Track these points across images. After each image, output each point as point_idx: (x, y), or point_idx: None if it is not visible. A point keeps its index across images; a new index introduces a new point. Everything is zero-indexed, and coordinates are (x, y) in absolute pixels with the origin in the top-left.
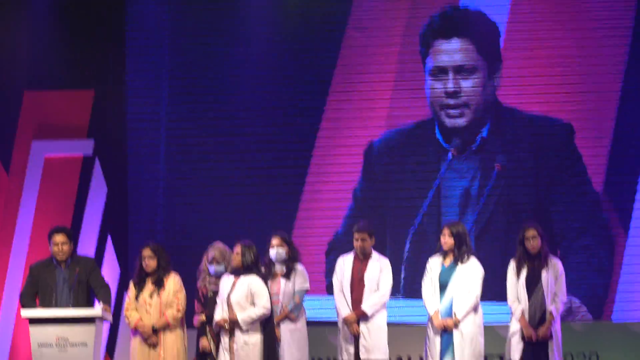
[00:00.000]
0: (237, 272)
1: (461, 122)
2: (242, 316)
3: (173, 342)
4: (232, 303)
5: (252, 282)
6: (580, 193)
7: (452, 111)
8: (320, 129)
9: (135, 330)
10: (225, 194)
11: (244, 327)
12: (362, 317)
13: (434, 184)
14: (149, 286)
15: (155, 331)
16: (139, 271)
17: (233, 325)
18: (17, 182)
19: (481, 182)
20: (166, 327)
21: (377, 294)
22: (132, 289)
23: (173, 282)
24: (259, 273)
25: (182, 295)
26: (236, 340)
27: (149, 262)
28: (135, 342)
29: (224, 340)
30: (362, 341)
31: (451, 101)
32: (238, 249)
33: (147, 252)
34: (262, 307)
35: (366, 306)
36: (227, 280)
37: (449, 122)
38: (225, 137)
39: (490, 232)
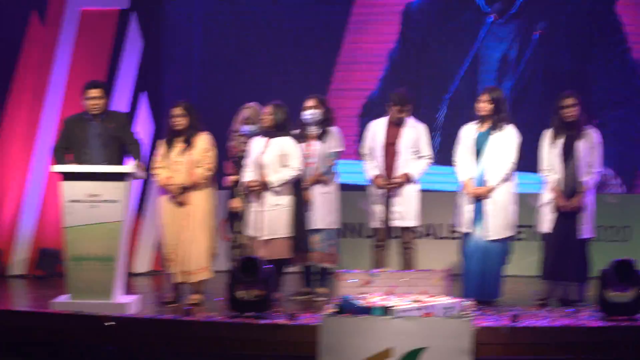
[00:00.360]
0: (269, 133)
1: None
2: (274, 178)
3: (202, 201)
4: (264, 164)
5: (284, 143)
6: (619, 62)
7: None
8: None
9: (164, 188)
10: (260, 54)
11: (276, 189)
12: (405, 181)
13: (471, 48)
14: (178, 145)
15: (184, 189)
16: (170, 129)
17: (264, 187)
18: (52, 35)
19: (520, 48)
20: (195, 185)
21: (423, 160)
22: (161, 147)
23: (203, 140)
24: (290, 134)
25: (212, 154)
26: (267, 201)
27: (180, 120)
28: (164, 200)
29: (254, 201)
30: (394, 207)
31: None
32: (269, 109)
33: (178, 110)
34: (294, 168)
35: (412, 170)
36: (258, 142)
37: None
38: None
39: (527, 100)
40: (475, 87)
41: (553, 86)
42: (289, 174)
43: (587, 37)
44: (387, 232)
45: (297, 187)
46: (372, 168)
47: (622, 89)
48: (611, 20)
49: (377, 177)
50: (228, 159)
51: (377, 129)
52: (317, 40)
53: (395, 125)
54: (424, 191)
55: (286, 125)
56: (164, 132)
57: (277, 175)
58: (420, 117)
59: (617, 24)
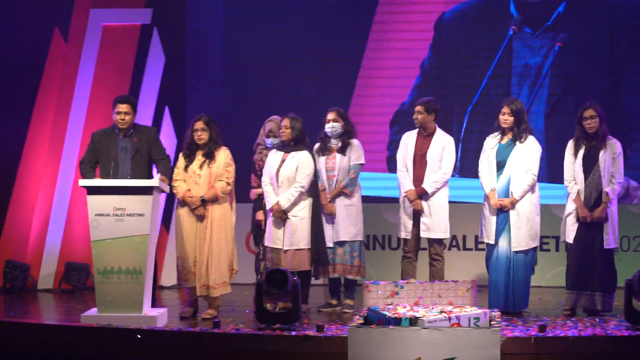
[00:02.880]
0: (286, 147)
1: None
2: (283, 200)
3: (221, 215)
4: (281, 178)
5: (300, 157)
6: None
7: None
8: (380, 3)
9: (183, 201)
10: (284, 66)
11: (287, 209)
12: (423, 194)
13: (499, 58)
14: (198, 158)
15: (204, 202)
16: (190, 143)
17: (278, 209)
18: (75, 50)
19: (553, 60)
20: (215, 199)
21: (439, 172)
22: (181, 160)
23: (224, 155)
24: (307, 147)
25: (232, 168)
26: (289, 215)
27: (202, 134)
28: (182, 213)
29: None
30: (422, 219)
31: None
32: (286, 122)
33: (199, 124)
34: (300, 185)
35: (427, 184)
36: (275, 156)
37: None
38: (284, 7)
39: (558, 112)
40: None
41: (584, 98)
42: (294, 191)
43: (621, 51)
44: (416, 243)
45: (316, 200)
46: (405, 181)
47: None
48: None
49: (409, 190)
50: (254, 171)
51: (409, 139)
52: (341, 50)
53: (425, 136)
54: (450, 203)
55: (303, 138)
56: (183, 145)
57: (285, 196)
58: (451, 128)
59: None
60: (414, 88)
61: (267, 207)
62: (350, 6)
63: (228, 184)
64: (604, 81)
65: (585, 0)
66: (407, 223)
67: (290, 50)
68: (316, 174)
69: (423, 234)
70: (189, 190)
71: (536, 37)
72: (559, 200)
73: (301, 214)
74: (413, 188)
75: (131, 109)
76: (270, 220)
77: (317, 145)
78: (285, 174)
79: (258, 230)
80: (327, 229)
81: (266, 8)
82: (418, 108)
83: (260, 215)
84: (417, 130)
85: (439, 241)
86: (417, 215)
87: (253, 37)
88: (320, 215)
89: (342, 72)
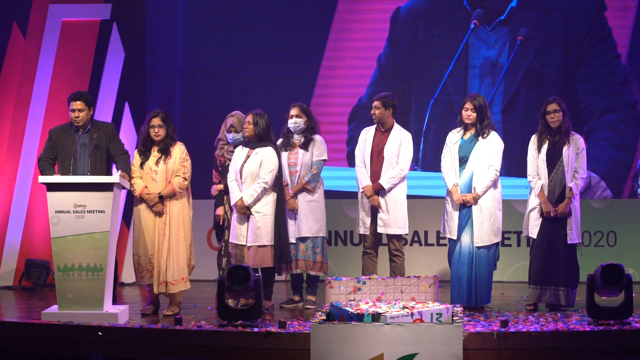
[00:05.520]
0: (250, 143)
1: None
2: (246, 195)
3: (179, 210)
4: (244, 174)
5: (264, 153)
6: (609, 68)
7: None
8: None
9: (140, 198)
10: (243, 63)
11: (250, 205)
12: (380, 190)
13: (459, 53)
14: (154, 154)
15: (162, 198)
16: (145, 139)
17: (241, 205)
18: (34, 46)
19: (509, 55)
20: (173, 195)
21: (396, 168)
22: (136, 157)
23: (179, 150)
24: (272, 144)
25: (188, 163)
26: (252, 211)
27: (159, 130)
28: (140, 210)
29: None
30: (379, 215)
31: None
32: (250, 118)
33: (156, 120)
34: (263, 181)
35: (383, 180)
36: (240, 152)
37: None
38: (245, 3)
39: (515, 106)
40: (465, 92)
41: (542, 92)
42: (257, 187)
43: (577, 44)
44: (375, 239)
45: (280, 196)
46: (363, 177)
47: (611, 96)
48: (601, 26)
49: (366, 186)
50: (215, 167)
51: (367, 135)
52: (301, 47)
53: (382, 131)
54: (411, 198)
55: (267, 134)
56: (138, 142)
57: (248, 192)
58: (409, 123)
59: (606, 30)
60: (371, 83)
61: (232, 203)
62: (311, 2)
63: (185, 179)
64: (560, 75)
65: None
66: (365, 219)
67: (252, 46)
68: (280, 170)
69: (380, 230)
70: (146, 187)
71: (490, 31)
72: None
73: (264, 210)
74: (370, 184)
75: (85, 106)
76: (234, 216)
77: (279, 141)
78: (249, 170)
79: (219, 227)
80: (290, 225)
81: (227, 4)
82: (375, 103)
83: (220, 211)
84: (375, 125)
85: (398, 237)
86: (374, 211)
87: (213, 33)
88: (284, 212)
89: (303, 69)
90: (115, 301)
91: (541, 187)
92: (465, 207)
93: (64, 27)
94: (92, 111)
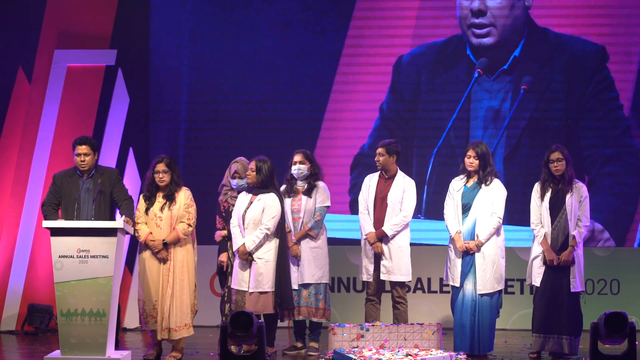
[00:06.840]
0: (254, 189)
1: (488, 41)
2: (248, 242)
3: (183, 257)
4: (247, 220)
5: (267, 199)
6: (611, 118)
7: (477, 30)
8: (345, 45)
9: (145, 245)
10: (247, 110)
11: (252, 251)
12: (383, 237)
13: (462, 102)
14: (159, 200)
15: (166, 245)
16: (150, 184)
17: (244, 251)
18: (39, 91)
19: (512, 104)
20: (177, 241)
21: (399, 215)
22: (141, 203)
23: (184, 196)
24: (275, 190)
25: (193, 209)
26: (254, 257)
27: (163, 176)
28: (145, 256)
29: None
30: (383, 262)
31: (476, 20)
32: (253, 164)
33: (161, 166)
34: (265, 227)
35: (387, 227)
36: (243, 198)
37: (475, 41)
38: (249, 50)
39: (517, 155)
40: (467, 140)
41: (544, 141)
42: (260, 233)
43: (579, 93)
44: (378, 286)
45: (283, 242)
46: (366, 224)
47: (614, 146)
48: (603, 76)
49: (369, 233)
50: (219, 213)
51: (371, 182)
52: (305, 95)
53: (386, 179)
54: (414, 245)
55: (270, 180)
56: (143, 187)
57: (250, 238)
58: (411, 171)
59: (608, 80)
60: (373, 131)
61: (234, 249)
62: (316, 51)
63: (189, 225)
64: (562, 124)
65: (540, 44)
66: (369, 266)
67: (256, 93)
68: (283, 217)
69: (383, 277)
70: (151, 233)
71: (493, 80)
72: (522, 242)
73: (266, 256)
74: (373, 231)
75: (91, 150)
76: (236, 262)
77: (283, 187)
78: (251, 216)
79: (222, 273)
80: (293, 271)
81: (232, 51)
82: (380, 150)
83: (223, 257)
84: (379, 172)
85: (401, 284)
86: (377, 258)
87: (218, 79)
88: (286, 258)
89: (308, 116)
90: (117, 346)
91: (544, 235)
92: (468, 255)
93: (69, 72)
94: (97, 156)
